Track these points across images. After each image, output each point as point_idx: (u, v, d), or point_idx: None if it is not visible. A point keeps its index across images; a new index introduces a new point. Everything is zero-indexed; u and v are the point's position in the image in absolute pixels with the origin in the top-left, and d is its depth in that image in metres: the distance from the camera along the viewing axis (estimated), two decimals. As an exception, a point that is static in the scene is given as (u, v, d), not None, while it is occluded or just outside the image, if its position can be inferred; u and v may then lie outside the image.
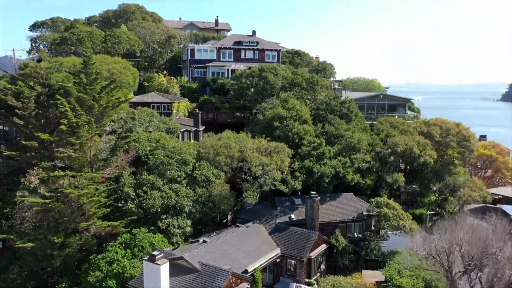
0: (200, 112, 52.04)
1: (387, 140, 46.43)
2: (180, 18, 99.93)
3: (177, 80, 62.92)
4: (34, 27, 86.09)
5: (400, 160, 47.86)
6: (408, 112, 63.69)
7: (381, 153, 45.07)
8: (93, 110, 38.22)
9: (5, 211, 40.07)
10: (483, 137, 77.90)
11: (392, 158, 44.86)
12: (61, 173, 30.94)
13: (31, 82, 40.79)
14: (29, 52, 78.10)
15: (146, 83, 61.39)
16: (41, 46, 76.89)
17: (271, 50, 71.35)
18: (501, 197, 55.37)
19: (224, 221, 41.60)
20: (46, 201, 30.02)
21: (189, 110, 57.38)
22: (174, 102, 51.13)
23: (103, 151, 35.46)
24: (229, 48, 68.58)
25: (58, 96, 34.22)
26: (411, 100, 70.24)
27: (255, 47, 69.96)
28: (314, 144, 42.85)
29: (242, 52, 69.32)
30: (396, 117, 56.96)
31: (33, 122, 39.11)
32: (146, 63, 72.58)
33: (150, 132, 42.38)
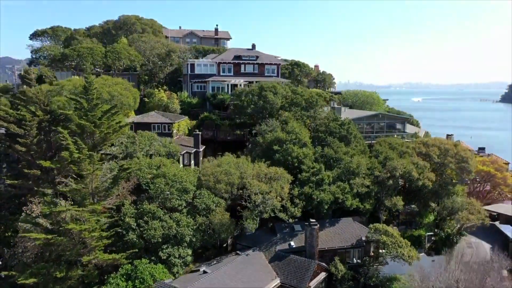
0: (200, 132, 52.27)
1: (386, 163, 46.60)
2: (180, 27, 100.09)
3: (177, 95, 63.05)
4: (34, 35, 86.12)
5: (399, 179, 48.09)
6: (408, 129, 63.78)
7: (380, 177, 45.34)
8: (94, 136, 38.65)
9: (7, 234, 40.52)
10: (481, 150, 77.88)
11: (390, 181, 45.16)
12: (63, 208, 31.23)
13: (32, 107, 41.04)
14: (29, 64, 78.39)
15: (146, 99, 61.58)
16: (41, 58, 77.35)
17: (271, 64, 71.44)
18: (499, 213, 55.71)
19: (224, 245, 41.90)
20: (48, 236, 30.34)
21: (189, 128, 57.58)
22: (174, 122, 51.30)
23: (104, 181, 35.68)
24: (229, 63, 68.69)
25: (60, 129, 34.47)
26: (408, 117, 70.87)
27: (255, 62, 70.03)
28: (314, 170, 43.06)
29: (242, 66, 69.43)
30: (395, 136, 57.14)
31: (34, 149, 39.39)
32: (146, 77, 72.79)
33: (150, 156, 42.63)
